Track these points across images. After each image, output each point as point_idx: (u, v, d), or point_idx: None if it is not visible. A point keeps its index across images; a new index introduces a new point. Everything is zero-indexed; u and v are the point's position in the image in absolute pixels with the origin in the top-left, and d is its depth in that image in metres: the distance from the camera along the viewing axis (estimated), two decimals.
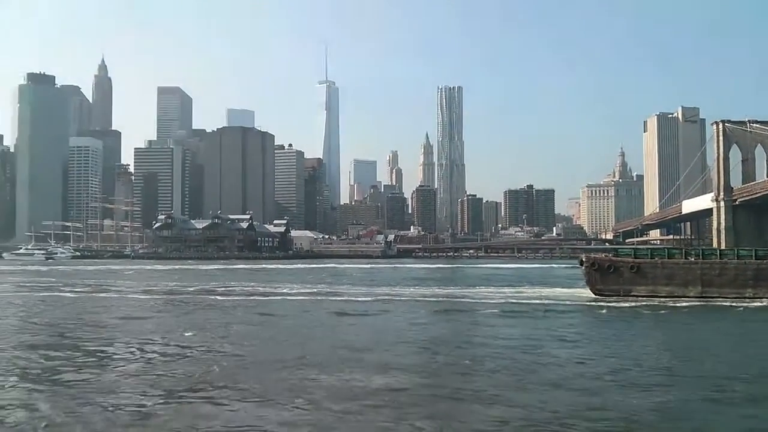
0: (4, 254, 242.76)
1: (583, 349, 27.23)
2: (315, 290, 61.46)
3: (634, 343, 28.95)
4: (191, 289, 64.77)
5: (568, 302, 48.18)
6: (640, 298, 48.83)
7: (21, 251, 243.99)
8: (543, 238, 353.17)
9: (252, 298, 53.29)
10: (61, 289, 63.57)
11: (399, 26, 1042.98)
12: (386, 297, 52.94)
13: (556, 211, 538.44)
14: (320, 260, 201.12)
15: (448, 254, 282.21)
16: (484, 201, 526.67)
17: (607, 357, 24.85)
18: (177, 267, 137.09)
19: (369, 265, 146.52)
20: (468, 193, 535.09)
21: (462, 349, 26.46)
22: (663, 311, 42.52)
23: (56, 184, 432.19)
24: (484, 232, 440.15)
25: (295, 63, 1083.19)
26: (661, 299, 48.46)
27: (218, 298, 53.15)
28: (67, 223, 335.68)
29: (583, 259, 54.41)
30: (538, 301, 48.39)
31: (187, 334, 29.49)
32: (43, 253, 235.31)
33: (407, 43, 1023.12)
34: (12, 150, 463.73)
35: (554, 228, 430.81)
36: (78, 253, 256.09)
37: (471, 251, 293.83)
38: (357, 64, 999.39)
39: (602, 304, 46.27)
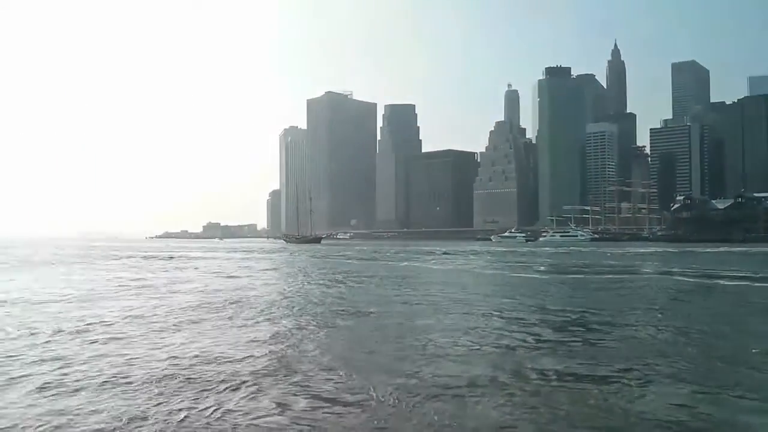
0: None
1: None
2: None
3: None
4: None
5: None
6: None
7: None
8: None
9: None
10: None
11: None
12: None
13: None
14: None
15: None
16: None
17: None
18: (688, 249, 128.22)
19: None
20: None
21: None
22: None
23: (574, 170, 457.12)
24: None
25: None
26: None
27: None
28: (586, 207, 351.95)
29: None
30: None
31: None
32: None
33: None
34: (533, 141, 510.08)
35: None
36: (596, 236, 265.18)
37: None
38: None
39: None
